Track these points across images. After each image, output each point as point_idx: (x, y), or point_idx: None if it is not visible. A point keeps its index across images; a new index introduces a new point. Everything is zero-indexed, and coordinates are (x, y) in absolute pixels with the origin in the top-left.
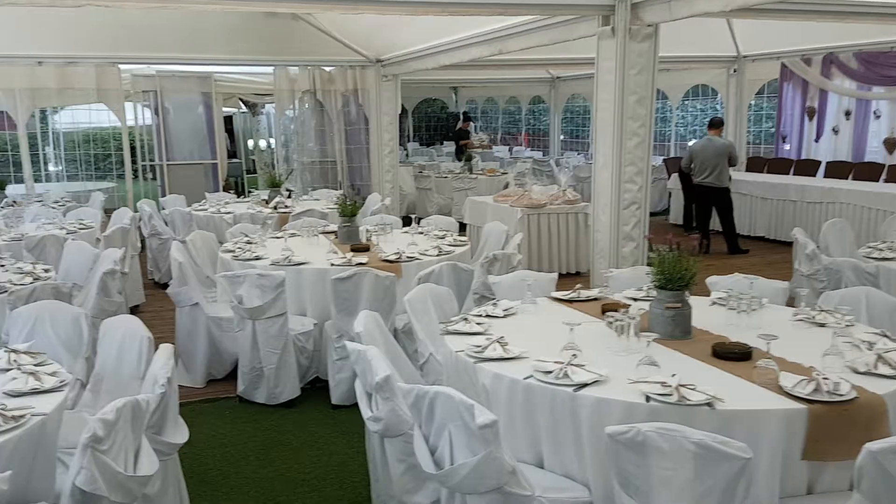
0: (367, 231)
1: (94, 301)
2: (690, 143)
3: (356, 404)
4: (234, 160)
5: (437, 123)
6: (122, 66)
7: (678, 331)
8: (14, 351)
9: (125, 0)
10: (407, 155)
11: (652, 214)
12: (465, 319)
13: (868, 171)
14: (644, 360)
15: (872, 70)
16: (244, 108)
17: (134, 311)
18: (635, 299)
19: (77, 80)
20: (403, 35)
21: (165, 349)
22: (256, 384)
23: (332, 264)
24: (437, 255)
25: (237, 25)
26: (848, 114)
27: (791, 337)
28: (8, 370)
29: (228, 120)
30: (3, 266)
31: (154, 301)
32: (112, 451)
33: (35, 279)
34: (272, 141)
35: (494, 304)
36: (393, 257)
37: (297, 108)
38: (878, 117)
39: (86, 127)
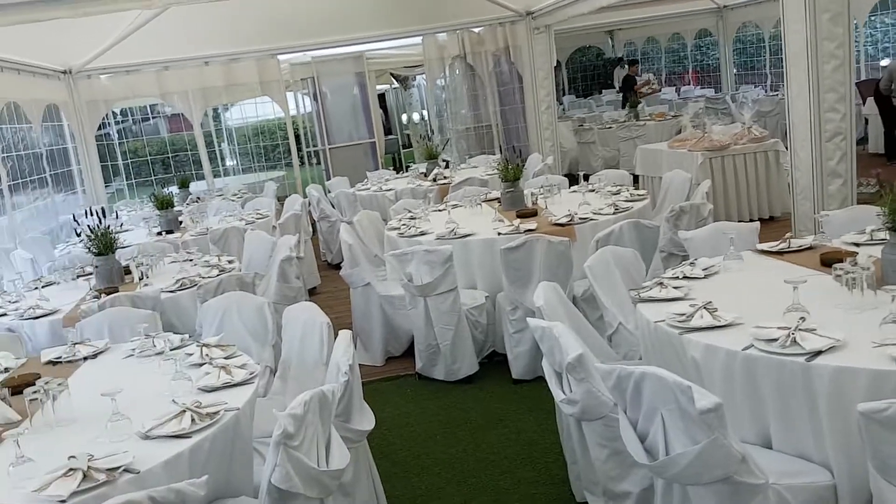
0: (533, 194)
1: (275, 288)
2: (885, 63)
3: (538, 378)
4: (390, 136)
5: (593, 72)
6: (280, 57)
7: None
8: (206, 345)
9: None
10: (564, 109)
11: None
12: (661, 284)
13: None
14: (889, 318)
15: None
16: (395, 84)
17: (311, 293)
18: (858, 245)
19: (241, 76)
20: None
21: (345, 336)
22: (434, 361)
23: (500, 233)
24: (614, 213)
25: (381, 1)
26: None
27: None
28: (202, 364)
29: (381, 97)
30: (191, 260)
31: (329, 282)
32: (304, 446)
33: (221, 271)
34: (425, 113)
35: (692, 264)
36: (564, 220)
37: (447, 75)
38: None
39: (254, 121)
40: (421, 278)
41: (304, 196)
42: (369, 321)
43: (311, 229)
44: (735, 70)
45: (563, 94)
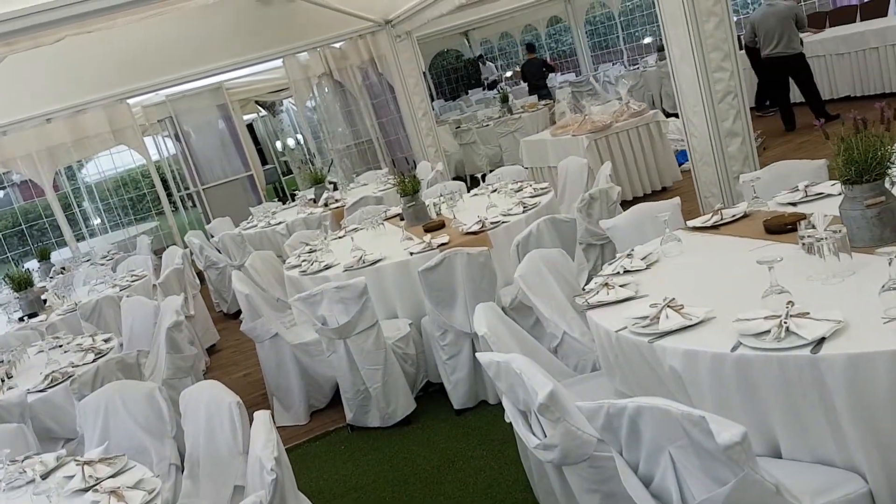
0: (435, 205)
1: (166, 362)
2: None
3: (482, 403)
4: (268, 167)
5: (456, 74)
6: (131, 101)
7: (888, 231)
8: (88, 463)
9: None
10: (437, 114)
11: None
12: (606, 285)
13: None
14: (890, 284)
15: None
16: (262, 111)
17: (212, 352)
18: (794, 204)
19: (90, 127)
20: None
21: (262, 419)
22: (366, 408)
23: (412, 253)
24: (524, 212)
25: (234, 25)
26: None
27: None
28: (85, 490)
29: (250, 127)
30: (61, 346)
31: (230, 335)
32: None
33: (97, 355)
34: (300, 137)
35: (629, 255)
36: (476, 227)
37: (316, 95)
38: None
39: (113, 173)
40: (336, 319)
41: (185, 245)
42: (284, 376)
43: (198, 281)
44: (591, 52)
45: (433, 100)
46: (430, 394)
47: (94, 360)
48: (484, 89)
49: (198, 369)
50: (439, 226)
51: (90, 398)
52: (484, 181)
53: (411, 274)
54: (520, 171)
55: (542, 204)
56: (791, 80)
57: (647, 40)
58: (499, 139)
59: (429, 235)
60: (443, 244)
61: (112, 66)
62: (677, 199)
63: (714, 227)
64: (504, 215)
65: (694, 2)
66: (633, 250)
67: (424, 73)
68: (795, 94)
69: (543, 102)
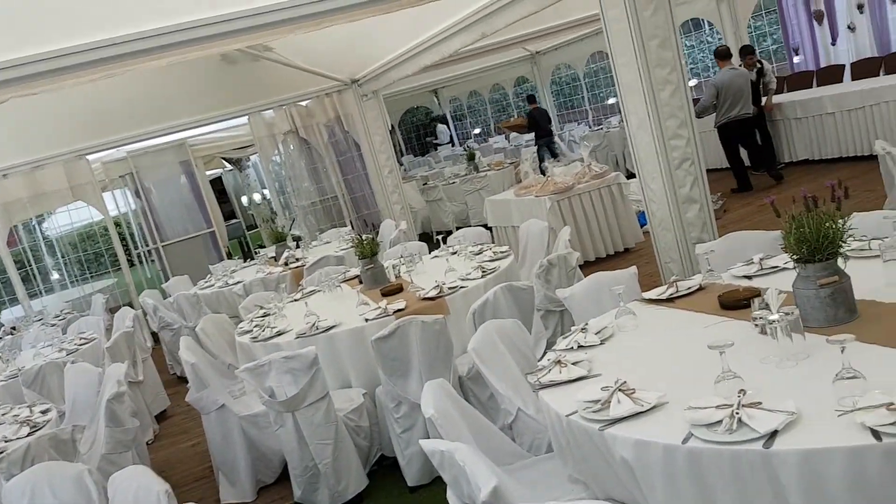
0: (394, 267)
1: (105, 435)
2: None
3: (437, 479)
4: (233, 221)
5: (425, 131)
6: (91, 157)
7: (842, 312)
8: None
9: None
10: (405, 170)
11: None
12: (559, 362)
13: None
14: (843, 374)
15: None
16: (229, 166)
17: (161, 418)
18: (749, 277)
19: (48, 183)
20: (375, 45)
21: None
22: (314, 485)
23: (367, 319)
24: (483, 277)
25: (198, 82)
26: (860, 7)
27: None
28: None
29: (218, 180)
30: None
31: (181, 400)
32: None
33: (32, 428)
34: (266, 192)
35: (584, 329)
36: (433, 293)
37: (282, 151)
38: (895, 2)
39: (68, 229)
40: (284, 391)
41: (140, 306)
42: (231, 449)
43: (150, 343)
44: (556, 111)
45: (402, 155)
46: (385, 468)
47: (27, 435)
48: (435, 149)
49: (141, 441)
50: (397, 290)
51: (16, 481)
52: (445, 242)
53: (366, 341)
54: (481, 233)
55: (501, 269)
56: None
57: (611, 101)
58: (465, 196)
59: (385, 300)
60: (399, 310)
61: (72, 121)
62: (634, 269)
63: (669, 300)
64: (462, 280)
65: (650, 71)
66: (587, 324)
67: (393, 128)
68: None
69: (509, 161)
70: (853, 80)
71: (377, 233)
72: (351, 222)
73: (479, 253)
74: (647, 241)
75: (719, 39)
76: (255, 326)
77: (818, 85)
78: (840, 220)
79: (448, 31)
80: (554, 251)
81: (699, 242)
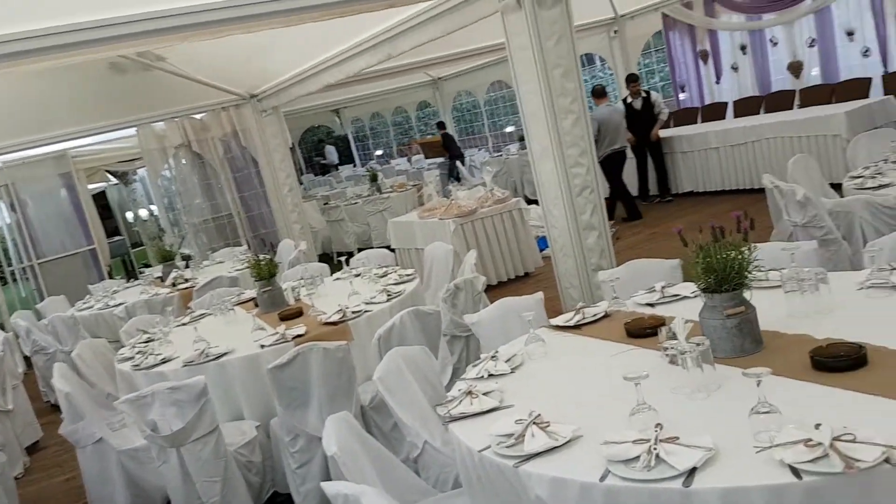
0: (294, 289)
1: None
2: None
3: None
4: (117, 238)
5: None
6: None
7: (748, 342)
8: None
9: None
10: (306, 189)
11: None
12: (470, 393)
13: (779, 101)
14: (759, 408)
15: None
16: (114, 180)
17: (32, 450)
18: (652, 305)
19: None
20: (276, 60)
21: None
22: None
23: (263, 346)
24: (388, 301)
25: (83, 90)
26: (744, 48)
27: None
28: None
29: (102, 195)
30: None
31: (55, 430)
32: None
33: None
34: (154, 208)
35: (494, 357)
36: (336, 317)
37: (172, 165)
38: (775, 45)
39: None
40: (169, 425)
41: (10, 329)
42: (108, 485)
43: (21, 369)
44: (458, 136)
45: (302, 174)
46: None
47: None
48: (336, 169)
49: (9, 476)
50: (296, 314)
51: None
52: (348, 264)
53: (261, 369)
54: (385, 255)
55: (406, 292)
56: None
57: (510, 129)
58: (367, 217)
59: (283, 325)
60: (298, 336)
61: None
62: (540, 295)
63: (577, 327)
64: (367, 304)
65: (553, 99)
66: (497, 352)
67: (293, 146)
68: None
69: (412, 184)
70: (735, 117)
71: (275, 253)
72: (247, 241)
73: (384, 275)
74: (546, 266)
75: (610, 75)
76: (138, 353)
77: (703, 121)
78: (746, 251)
79: (353, 49)
80: (460, 275)
81: (598, 269)
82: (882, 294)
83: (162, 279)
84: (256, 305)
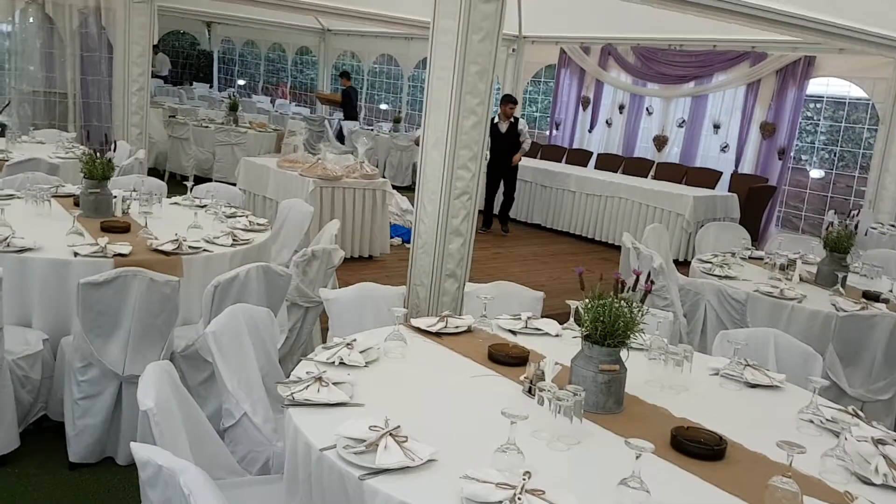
0: (125, 200)
1: None
2: None
3: (107, 460)
4: None
5: (185, 61)
6: None
7: (612, 402)
8: None
9: None
10: (152, 95)
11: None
12: (319, 379)
13: (638, 167)
14: (630, 482)
15: (649, 66)
16: None
17: None
18: (515, 332)
19: None
20: None
21: None
22: None
23: (77, 254)
24: (232, 246)
25: None
26: (622, 107)
27: (740, 412)
28: None
29: None
30: None
31: None
32: None
33: None
34: None
35: (349, 345)
36: (169, 246)
37: (16, 21)
38: (650, 114)
39: None
40: None
41: None
42: None
43: None
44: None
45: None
46: (44, 431)
47: None
48: (190, 84)
49: None
50: (123, 228)
51: None
52: (191, 191)
53: (68, 279)
54: (236, 194)
55: (255, 243)
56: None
57: (384, 107)
58: (215, 146)
59: (106, 238)
60: (120, 255)
61: None
62: (403, 289)
63: (438, 335)
64: (207, 241)
65: (461, 96)
66: (355, 339)
67: (156, 46)
68: None
69: (273, 127)
70: (596, 167)
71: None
72: (78, 129)
73: (233, 216)
74: (393, 255)
75: (497, 89)
76: None
77: (567, 162)
78: (637, 312)
79: None
80: (315, 242)
81: (452, 275)
82: (735, 387)
83: None
84: (76, 205)
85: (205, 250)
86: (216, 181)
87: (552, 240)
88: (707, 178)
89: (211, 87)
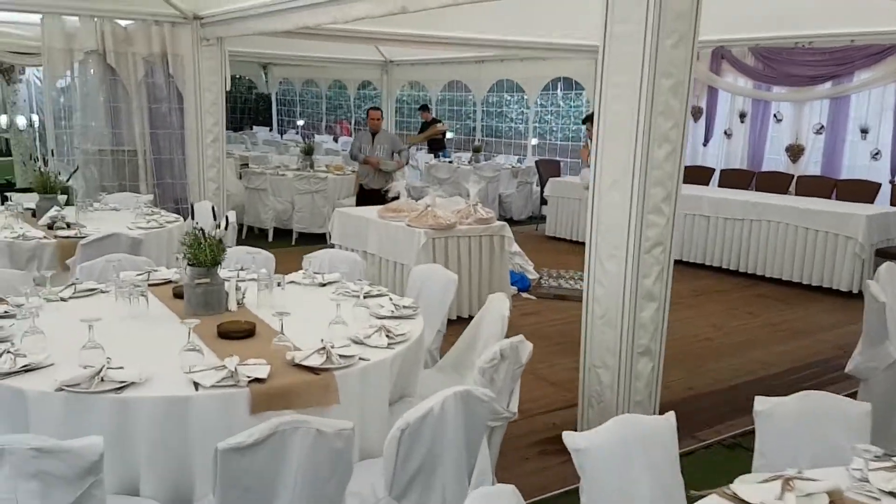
0: (238, 289)
1: None
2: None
3: None
4: None
5: (244, 105)
6: None
7: None
8: None
9: None
10: None
11: (516, 223)
12: None
13: (772, 182)
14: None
15: (772, 67)
16: None
17: None
18: None
19: None
20: None
21: None
22: None
23: (199, 385)
24: (389, 347)
25: None
26: (743, 116)
27: None
28: None
29: None
30: None
31: None
32: None
33: None
34: (35, 119)
35: None
36: (317, 359)
37: (76, 74)
38: (779, 121)
39: None
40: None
41: None
42: None
43: None
44: (394, 129)
45: None
46: None
47: None
48: (251, 128)
49: None
50: (247, 332)
51: None
52: (310, 266)
53: (188, 423)
54: (355, 261)
55: (412, 339)
56: None
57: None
58: (294, 195)
59: (230, 352)
60: (257, 380)
61: None
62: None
63: None
64: (357, 343)
65: (652, 118)
66: None
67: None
68: None
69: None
70: (720, 185)
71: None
72: (151, 188)
73: (376, 296)
74: (518, 305)
75: (587, 105)
76: None
77: (684, 181)
78: None
79: None
80: (490, 332)
81: (644, 353)
82: None
83: (35, 214)
84: (177, 296)
85: (361, 358)
86: (297, 230)
87: (693, 275)
88: (863, 190)
89: (270, 129)
